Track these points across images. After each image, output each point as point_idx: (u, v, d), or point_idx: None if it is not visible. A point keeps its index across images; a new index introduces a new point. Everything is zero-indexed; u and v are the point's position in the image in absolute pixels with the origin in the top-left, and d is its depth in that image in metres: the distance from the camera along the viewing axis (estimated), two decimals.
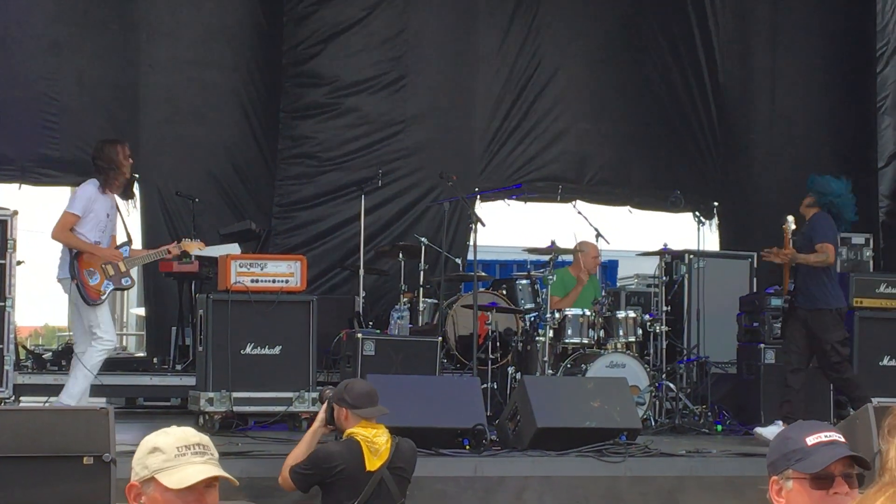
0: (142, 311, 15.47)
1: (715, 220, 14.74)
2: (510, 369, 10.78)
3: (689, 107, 14.64)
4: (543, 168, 14.28)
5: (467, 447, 8.47)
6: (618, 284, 15.45)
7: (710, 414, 10.93)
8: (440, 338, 10.43)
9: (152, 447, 3.16)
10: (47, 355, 12.10)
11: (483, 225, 10.61)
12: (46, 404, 9.76)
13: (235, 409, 9.39)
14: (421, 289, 11.68)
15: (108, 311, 9.04)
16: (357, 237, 12.36)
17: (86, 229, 8.95)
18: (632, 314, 11.06)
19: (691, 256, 12.45)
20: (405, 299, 11.48)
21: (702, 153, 14.72)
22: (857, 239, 13.00)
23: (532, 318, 11.00)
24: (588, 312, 10.86)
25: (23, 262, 9.92)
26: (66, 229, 8.91)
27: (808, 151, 14.80)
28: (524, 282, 11.85)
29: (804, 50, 14.97)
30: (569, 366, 10.59)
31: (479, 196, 13.34)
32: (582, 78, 14.52)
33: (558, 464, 8.38)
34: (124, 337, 22.59)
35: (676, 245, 12.38)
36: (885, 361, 11.04)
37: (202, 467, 3.10)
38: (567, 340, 10.77)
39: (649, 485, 8.41)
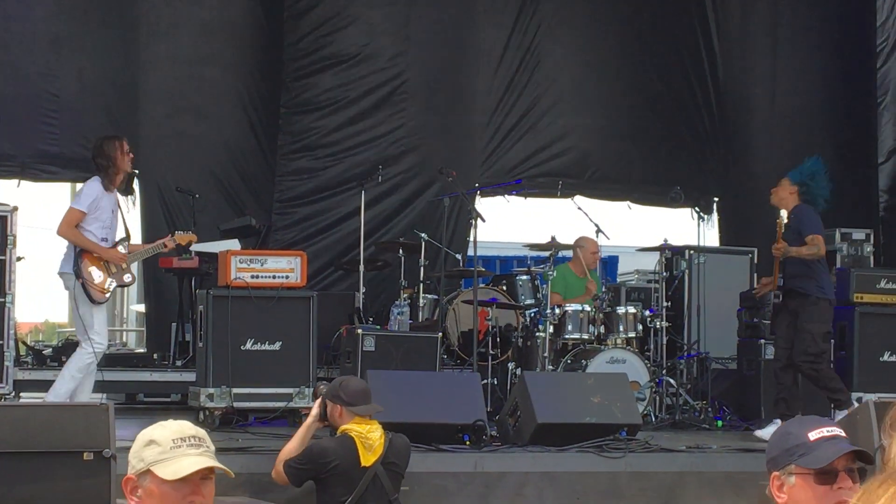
0: (142, 308, 15.48)
1: (715, 216, 14.74)
2: (510, 365, 10.78)
3: (689, 102, 14.64)
4: (544, 164, 14.28)
5: (467, 443, 8.46)
6: (618, 280, 15.45)
7: (710, 409, 10.92)
8: (440, 333, 10.42)
9: (148, 440, 3.17)
10: (47, 351, 12.11)
11: (483, 220, 10.62)
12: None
13: (235, 404, 9.39)
14: (421, 284, 11.67)
15: (105, 315, 9.01)
16: (357, 233, 12.34)
17: (94, 227, 8.94)
18: (632, 310, 11.05)
19: (691, 252, 12.46)
20: (405, 295, 11.48)
21: (702, 149, 14.71)
22: (858, 234, 13.01)
23: (532, 314, 10.99)
24: (588, 308, 10.86)
25: (23, 258, 9.93)
26: (72, 226, 8.89)
27: (808, 147, 14.75)
28: (524, 277, 11.85)
29: (804, 46, 14.96)
30: (569, 361, 10.59)
31: (479, 192, 13.33)
32: (583, 74, 14.52)
33: (558, 459, 8.38)
34: (124, 333, 22.62)
35: (677, 241, 12.40)
36: (886, 357, 11.02)
37: (197, 458, 3.11)
38: (567, 336, 10.77)
39: (649, 480, 8.41)
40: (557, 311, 10.76)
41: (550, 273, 11.00)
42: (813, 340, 9.60)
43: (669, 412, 10.81)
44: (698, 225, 12.78)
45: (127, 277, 9.14)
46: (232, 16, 13.55)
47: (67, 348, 11.48)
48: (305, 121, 13.62)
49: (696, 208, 13.89)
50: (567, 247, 11.62)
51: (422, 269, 11.74)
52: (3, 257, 9.55)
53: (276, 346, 9.51)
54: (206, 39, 13.41)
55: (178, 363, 11.78)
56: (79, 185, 10.09)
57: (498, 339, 10.98)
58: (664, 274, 11.70)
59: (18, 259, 9.71)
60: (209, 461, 3.13)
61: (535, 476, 8.22)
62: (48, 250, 9.71)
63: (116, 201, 9.18)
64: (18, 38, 12.78)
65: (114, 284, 9.01)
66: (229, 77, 13.48)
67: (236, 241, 11.57)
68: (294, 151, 13.59)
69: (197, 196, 12.43)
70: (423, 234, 11.83)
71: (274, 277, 9.57)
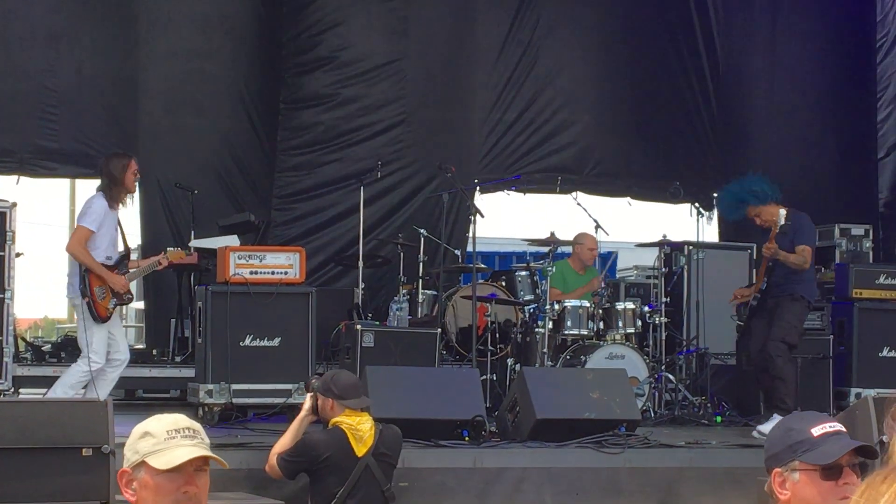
0: (141, 304, 15.46)
1: (714, 212, 14.72)
2: (509, 361, 10.78)
3: (688, 98, 14.63)
4: (543, 159, 14.27)
5: (466, 439, 8.46)
6: (617, 276, 15.45)
7: (709, 405, 10.92)
8: (439, 329, 10.41)
9: (143, 432, 3.18)
10: (46, 347, 12.11)
11: (482, 216, 10.63)
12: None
13: (235, 400, 9.39)
14: (420, 280, 11.67)
15: (105, 336, 8.97)
16: (356, 228, 12.33)
17: (103, 245, 8.93)
18: (631, 305, 11.04)
19: (690, 248, 12.44)
20: (404, 291, 11.47)
21: (701, 144, 14.70)
22: (857, 230, 13.00)
23: (531, 310, 10.99)
24: (587, 304, 10.85)
25: (22, 254, 9.93)
26: (81, 244, 8.86)
27: (808, 142, 14.81)
28: (523, 273, 11.85)
29: (804, 40, 14.95)
30: (568, 357, 10.59)
31: (478, 187, 13.29)
32: (582, 69, 14.51)
33: (557, 455, 8.38)
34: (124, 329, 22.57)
35: (676, 236, 12.37)
36: (885, 353, 11.03)
37: (191, 448, 3.12)
38: (566, 332, 10.76)
39: (648, 476, 8.40)
40: (556, 306, 10.76)
41: (549, 269, 10.99)
42: (792, 330, 9.60)
43: (668, 408, 10.80)
44: (697, 221, 12.73)
45: (127, 296, 9.17)
46: (231, 11, 13.54)
47: (66, 344, 11.50)
48: (305, 116, 13.60)
49: (696, 204, 13.87)
50: (566, 243, 11.62)
51: (421, 264, 11.75)
52: (2, 253, 9.54)
53: (275, 342, 9.51)
54: (206, 34, 13.40)
55: (177, 359, 11.78)
56: (78, 184, 10.08)
57: (497, 335, 10.97)
58: (663, 270, 11.69)
59: (18, 255, 9.70)
60: (203, 451, 3.14)
61: (534, 472, 8.22)
62: (47, 246, 9.71)
63: (117, 217, 9.18)
64: (17, 34, 12.76)
65: (115, 303, 9.02)
66: (229, 72, 13.47)
67: (235, 236, 11.55)
68: (293, 147, 13.57)
69: (196, 191, 12.42)
70: (422, 230, 11.83)
71: (273, 273, 9.57)
